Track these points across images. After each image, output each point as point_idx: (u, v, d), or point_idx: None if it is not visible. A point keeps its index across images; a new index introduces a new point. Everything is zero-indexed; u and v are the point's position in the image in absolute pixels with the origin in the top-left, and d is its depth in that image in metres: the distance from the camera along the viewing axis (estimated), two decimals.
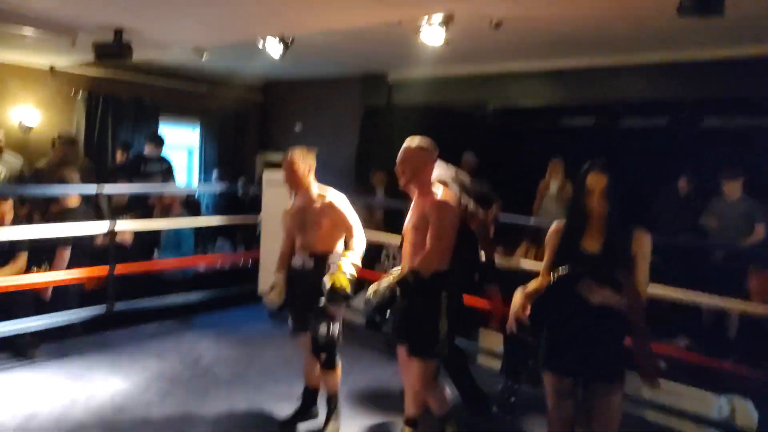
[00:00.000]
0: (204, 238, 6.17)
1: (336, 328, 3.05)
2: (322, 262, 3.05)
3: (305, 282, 3.06)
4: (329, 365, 3.11)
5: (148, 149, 6.36)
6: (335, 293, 2.86)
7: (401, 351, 2.84)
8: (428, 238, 2.64)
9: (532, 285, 2.43)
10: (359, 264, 3.04)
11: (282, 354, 4.29)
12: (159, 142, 6.41)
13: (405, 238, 2.84)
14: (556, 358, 2.34)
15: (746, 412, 3.27)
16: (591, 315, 2.23)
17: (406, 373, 2.87)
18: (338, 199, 3.12)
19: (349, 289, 2.90)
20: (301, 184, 3.13)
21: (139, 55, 4.43)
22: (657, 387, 2.30)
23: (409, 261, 2.74)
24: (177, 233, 5.41)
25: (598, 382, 2.27)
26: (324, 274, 2.95)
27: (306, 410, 3.29)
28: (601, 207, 2.24)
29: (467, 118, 7.87)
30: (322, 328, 2.99)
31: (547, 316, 2.34)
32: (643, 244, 2.25)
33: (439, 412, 2.95)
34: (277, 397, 3.56)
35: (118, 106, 6.94)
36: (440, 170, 3.14)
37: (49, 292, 4.18)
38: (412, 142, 2.76)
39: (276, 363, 4.12)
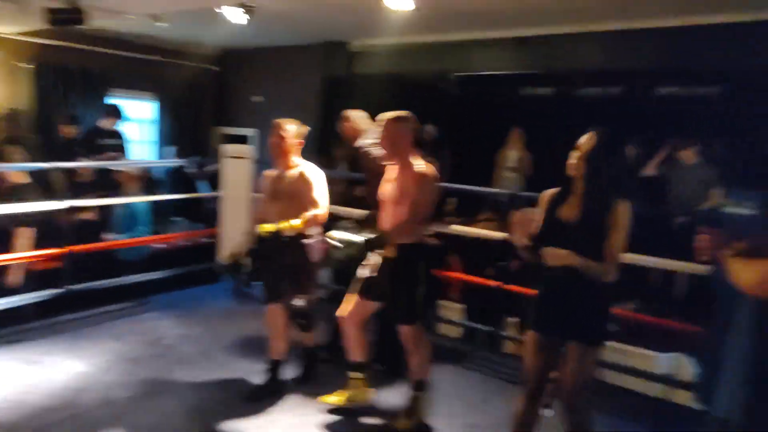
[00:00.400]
0: (162, 215, 6.06)
1: (311, 296, 3.24)
2: (295, 235, 3.13)
3: (277, 253, 3.16)
4: (306, 329, 3.37)
5: (103, 122, 6.15)
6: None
7: (361, 305, 3.00)
8: (410, 209, 2.75)
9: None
10: (300, 225, 3.07)
11: (245, 330, 4.29)
12: (116, 114, 6.20)
13: (383, 209, 2.95)
14: (541, 320, 2.46)
15: (686, 367, 3.49)
16: (574, 280, 2.31)
17: (348, 323, 3.04)
18: (312, 171, 3.20)
19: (268, 233, 3.02)
20: (285, 154, 3.16)
21: (93, 23, 4.25)
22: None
23: (389, 231, 2.84)
24: (132, 212, 5.24)
25: (577, 343, 2.37)
26: (297, 246, 3.10)
27: (273, 382, 3.36)
28: (579, 170, 2.32)
29: (430, 87, 7.83)
30: (298, 299, 3.16)
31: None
32: (621, 215, 2.31)
33: (416, 376, 3.02)
34: (242, 372, 3.58)
35: (69, 78, 6.65)
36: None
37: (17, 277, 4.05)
38: (389, 114, 2.84)
39: (239, 339, 4.13)
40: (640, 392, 3.58)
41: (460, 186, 4.97)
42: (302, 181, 3.15)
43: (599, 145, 2.31)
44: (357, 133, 3.67)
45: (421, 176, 2.76)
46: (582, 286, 2.32)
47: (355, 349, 3.15)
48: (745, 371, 2.13)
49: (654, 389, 3.55)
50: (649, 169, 5.31)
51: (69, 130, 6.14)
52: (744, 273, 1.57)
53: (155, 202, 5.76)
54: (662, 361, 3.55)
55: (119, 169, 5.50)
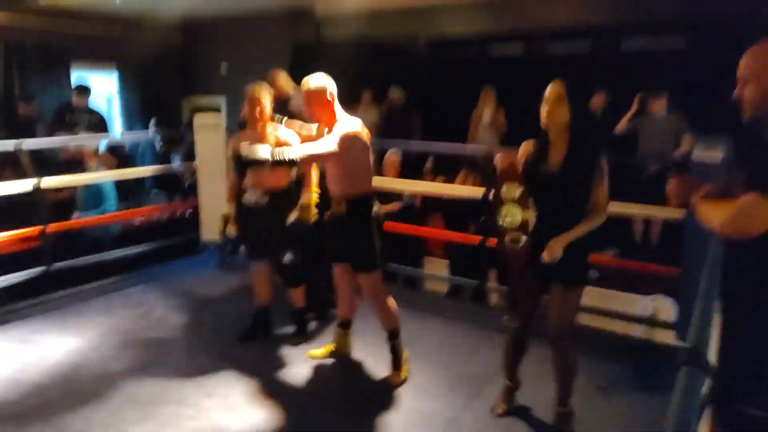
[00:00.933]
0: (137, 190, 5.97)
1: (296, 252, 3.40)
2: (275, 197, 3.30)
3: (261, 217, 3.33)
4: (295, 284, 3.52)
5: (74, 99, 6.00)
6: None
7: (337, 269, 3.19)
8: (344, 168, 2.88)
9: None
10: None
11: (231, 298, 4.33)
12: (85, 91, 6.04)
13: (327, 172, 3.06)
14: (531, 265, 2.56)
15: (666, 308, 3.68)
16: (555, 228, 2.42)
17: (341, 286, 3.25)
18: (286, 133, 3.28)
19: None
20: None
21: None
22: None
23: (340, 191, 2.97)
24: (98, 189, 5.11)
25: (559, 285, 2.51)
26: (278, 209, 3.26)
27: (263, 324, 3.64)
28: (551, 114, 2.39)
29: (399, 51, 7.79)
30: (287, 255, 3.35)
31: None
32: (603, 165, 2.41)
33: (387, 327, 3.14)
34: (234, 335, 3.63)
35: (24, 55, 6.39)
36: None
37: None
38: (307, 83, 2.91)
39: (227, 305, 4.17)
40: (623, 335, 3.77)
41: (437, 145, 5.05)
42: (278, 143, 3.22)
43: (568, 89, 2.39)
44: (283, 94, 4.00)
45: (346, 137, 2.83)
46: (563, 233, 2.41)
47: (344, 307, 3.35)
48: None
49: (636, 331, 3.74)
50: (621, 126, 5.45)
51: (27, 109, 5.97)
52: (712, 214, 1.67)
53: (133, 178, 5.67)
54: (643, 303, 3.73)
55: (79, 145, 5.36)
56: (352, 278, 3.15)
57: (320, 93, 2.88)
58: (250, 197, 3.35)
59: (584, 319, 3.90)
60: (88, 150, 5.27)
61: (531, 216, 2.46)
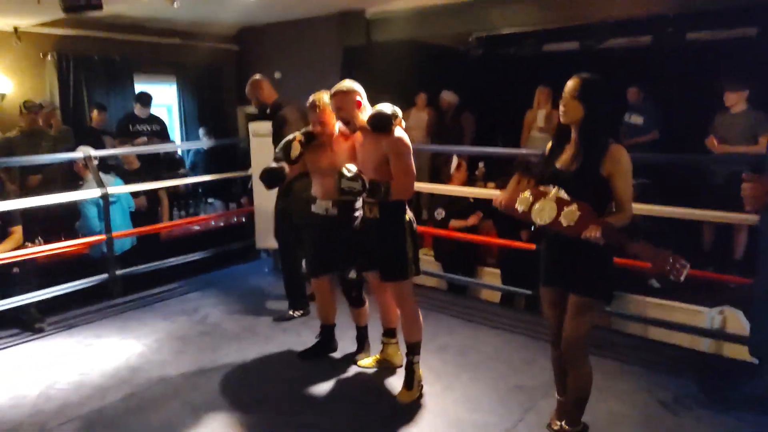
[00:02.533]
0: (194, 197, 6.16)
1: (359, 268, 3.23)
2: (345, 209, 3.12)
3: (329, 229, 3.18)
4: (359, 303, 3.35)
5: (137, 109, 6.26)
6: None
7: (371, 276, 3.11)
8: (396, 173, 2.78)
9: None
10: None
11: (285, 305, 4.37)
12: (146, 100, 6.28)
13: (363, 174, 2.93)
14: (545, 272, 2.47)
15: (736, 321, 3.43)
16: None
17: (379, 294, 3.20)
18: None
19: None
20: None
21: (109, 8, 4.23)
22: (678, 279, 2.32)
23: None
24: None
25: (571, 294, 2.37)
26: (348, 220, 3.10)
27: (326, 345, 3.54)
28: (565, 111, 2.26)
29: (450, 50, 7.69)
30: (352, 272, 3.17)
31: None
32: (618, 161, 2.23)
33: (408, 339, 3.05)
34: (287, 345, 3.67)
35: (90, 66, 6.71)
36: None
37: None
38: (336, 87, 2.87)
39: (281, 313, 4.20)
40: (688, 347, 3.56)
41: (489, 149, 4.93)
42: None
43: (586, 84, 2.24)
44: (271, 98, 4.06)
45: (401, 141, 2.77)
46: (579, 239, 2.23)
47: (386, 315, 3.30)
48: None
49: (702, 344, 3.51)
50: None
51: (100, 118, 6.25)
52: None
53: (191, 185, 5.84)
54: (709, 315, 3.50)
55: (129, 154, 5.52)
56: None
57: (351, 95, 2.84)
58: (319, 208, 3.19)
59: (646, 331, 3.72)
60: (131, 159, 5.40)
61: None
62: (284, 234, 4.03)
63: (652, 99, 5.88)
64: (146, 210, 5.24)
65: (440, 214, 5.02)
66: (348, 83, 2.89)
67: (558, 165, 2.34)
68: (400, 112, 2.82)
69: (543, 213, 2.26)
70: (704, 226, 4.76)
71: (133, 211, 5.06)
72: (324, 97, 3.04)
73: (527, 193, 2.32)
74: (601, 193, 2.28)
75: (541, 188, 2.31)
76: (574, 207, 2.20)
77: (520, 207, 2.33)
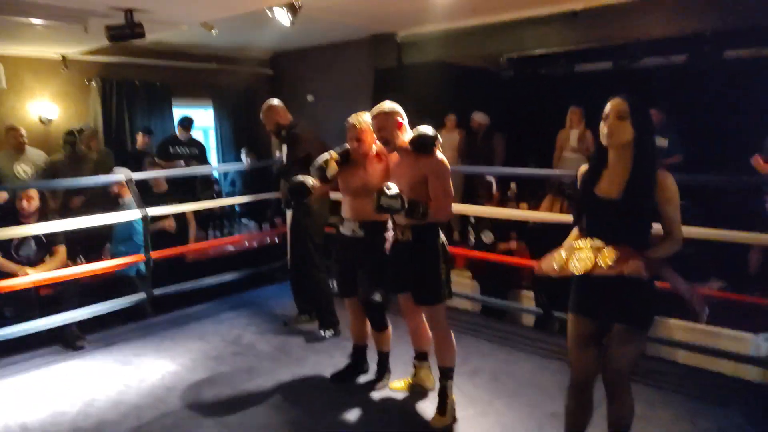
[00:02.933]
0: (229, 218, 6.27)
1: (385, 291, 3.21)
2: (372, 229, 3.13)
3: (355, 249, 3.17)
4: (382, 326, 3.32)
5: (179, 132, 6.48)
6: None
7: (402, 299, 3.09)
8: (436, 195, 2.78)
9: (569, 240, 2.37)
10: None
11: (317, 326, 4.39)
12: (186, 125, 6.50)
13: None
14: (579, 300, 2.29)
15: None
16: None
17: (410, 317, 3.17)
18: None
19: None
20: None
21: (150, 36, 4.40)
22: (702, 319, 2.22)
23: (400, 217, 2.86)
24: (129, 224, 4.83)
25: (620, 324, 2.21)
26: (375, 242, 3.10)
27: (357, 366, 3.54)
28: (613, 132, 2.10)
29: (480, 71, 7.72)
30: (376, 294, 3.14)
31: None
32: (668, 187, 2.11)
33: (442, 363, 3.03)
34: (319, 367, 3.68)
35: (132, 91, 6.96)
36: None
37: None
38: (378, 107, 2.88)
39: (314, 335, 4.23)
40: (733, 376, 3.43)
41: (521, 170, 4.89)
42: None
43: (635, 105, 2.10)
44: (286, 120, 4.16)
45: (442, 162, 2.78)
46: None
47: (417, 339, 3.27)
48: None
49: (749, 372, 3.36)
50: None
51: (144, 140, 6.45)
52: None
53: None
54: (755, 342, 3.36)
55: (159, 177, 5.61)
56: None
57: (392, 115, 2.85)
58: (347, 229, 3.19)
59: (688, 358, 3.59)
60: (158, 182, 5.52)
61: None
62: (308, 254, 4.12)
63: (675, 121, 5.73)
64: (176, 232, 5.35)
65: (489, 237, 4.97)
66: (389, 104, 2.90)
67: (598, 192, 2.21)
68: (438, 136, 2.84)
69: (579, 262, 2.15)
70: (751, 250, 4.61)
71: (159, 232, 5.14)
72: (363, 116, 3.06)
73: (561, 252, 2.24)
74: (647, 220, 2.18)
75: (574, 244, 2.22)
76: (610, 248, 2.10)
77: (556, 265, 2.22)
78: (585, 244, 2.18)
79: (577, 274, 2.17)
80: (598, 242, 2.15)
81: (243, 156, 7.09)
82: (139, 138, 6.53)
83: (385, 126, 2.86)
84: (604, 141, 2.16)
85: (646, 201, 2.11)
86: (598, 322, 2.28)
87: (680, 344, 3.53)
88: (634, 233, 2.16)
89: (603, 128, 2.16)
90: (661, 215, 2.15)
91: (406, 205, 2.69)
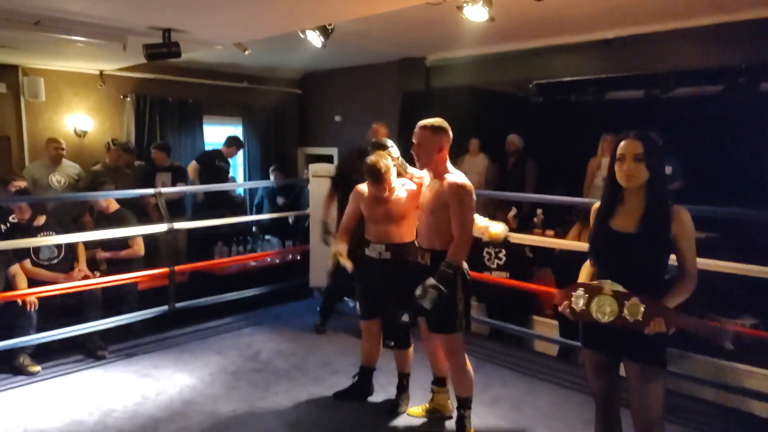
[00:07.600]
0: (253, 235, 6.31)
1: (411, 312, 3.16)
2: (398, 252, 3.11)
3: (382, 272, 3.16)
4: (405, 346, 3.30)
5: (224, 149, 6.56)
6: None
7: (422, 322, 3.07)
8: (454, 225, 2.71)
9: (583, 273, 2.34)
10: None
11: (338, 345, 4.37)
12: (233, 143, 6.57)
13: (420, 220, 2.97)
14: (592, 335, 2.27)
15: None
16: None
17: (428, 342, 3.16)
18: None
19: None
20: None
21: (185, 55, 4.50)
22: (727, 347, 2.15)
23: (428, 243, 2.86)
24: None
25: (632, 362, 2.17)
26: (402, 264, 3.07)
27: (362, 387, 3.51)
28: (632, 175, 2.09)
29: (510, 97, 7.71)
30: (405, 315, 3.09)
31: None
32: (684, 223, 2.10)
33: (459, 393, 2.96)
34: (336, 387, 3.63)
35: (164, 107, 7.11)
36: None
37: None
38: (426, 122, 2.81)
39: (332, 354, 4.20)
40: (766, 417, 3.28)
41: (550, 197, 4.83)
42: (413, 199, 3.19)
43: (650, 146, 2.10)
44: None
45: (461, 188, 2.71)
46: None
47: (435, 364, 3.23)
48: None
49: None
50: None
51: (160, 157, 6.43)
52: None
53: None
54: None
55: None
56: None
57: (439, 133, 2.76)
58: (372, 251, 3.17)
59: (717, 397, 3.45)
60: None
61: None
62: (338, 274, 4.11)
63: (675, 147, 5.59)
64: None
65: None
66: (441, 122, 2.81)
67: (614, 227, 2.20)
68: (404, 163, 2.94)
69: (604, 309, 2.11)
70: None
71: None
72: (385, 162, 3.03)
73: (581, 291, 2.17)
74: (663, 255, 2.15)
75: (593, 283, 2.17)
76: (636, 300, 2.05)
77: (576, 306, 2.17)
78: (607, 287, 2.13)
79: (602, 320, 2.12)
80: (618, 286, 2.11)
81: (271, 174, 7.18)
82: (156, 154, 6.26)
83: (424, 144, 2.78)
84: (623, 183, 2.15)
85: (663, 234, 2.11)
86: (607, 355, 2.27)
87: (709, 382, 3.40)
88: (650, 268, 2.15)
89: (620, 170, 2.14)
90: (676, 250, 2.14)
91: (442, 288, 2.65)
